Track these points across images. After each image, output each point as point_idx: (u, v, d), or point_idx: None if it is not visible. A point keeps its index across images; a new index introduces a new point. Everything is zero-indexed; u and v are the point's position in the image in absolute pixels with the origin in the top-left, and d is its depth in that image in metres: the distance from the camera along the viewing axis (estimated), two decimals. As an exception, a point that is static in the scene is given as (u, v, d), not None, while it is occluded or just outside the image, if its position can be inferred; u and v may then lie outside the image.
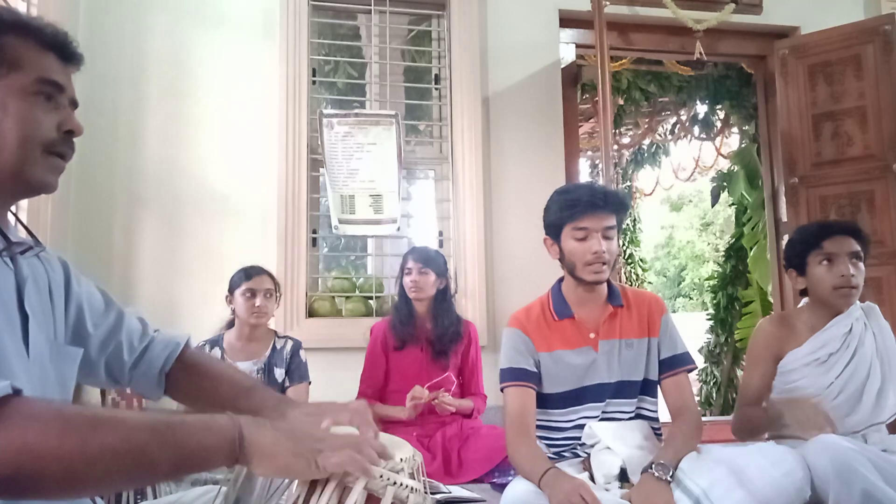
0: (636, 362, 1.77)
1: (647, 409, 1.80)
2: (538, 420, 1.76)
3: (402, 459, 0.86)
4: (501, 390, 1.76)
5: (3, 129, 0.83)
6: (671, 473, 1.52)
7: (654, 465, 1.53)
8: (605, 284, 1.82)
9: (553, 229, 1.78)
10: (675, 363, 1.79)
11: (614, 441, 1.66)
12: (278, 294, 2.60)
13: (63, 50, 0.90)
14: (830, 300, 1.97)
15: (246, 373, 2.38)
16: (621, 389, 1.76)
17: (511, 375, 1.75)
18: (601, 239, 1.70)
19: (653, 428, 1.78)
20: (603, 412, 1.75)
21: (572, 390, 1.75)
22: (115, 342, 1.06)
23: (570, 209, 1.72)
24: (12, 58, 0.84)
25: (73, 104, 0.92)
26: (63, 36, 0.90)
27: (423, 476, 0.91)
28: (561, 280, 1.88)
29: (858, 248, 1.96)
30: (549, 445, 1.78)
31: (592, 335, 1.77)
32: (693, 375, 1.92)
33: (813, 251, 1.98)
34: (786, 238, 3.76)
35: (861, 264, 1.96)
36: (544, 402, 1.77)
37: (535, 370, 1.75)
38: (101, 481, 0.73)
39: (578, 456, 1.75)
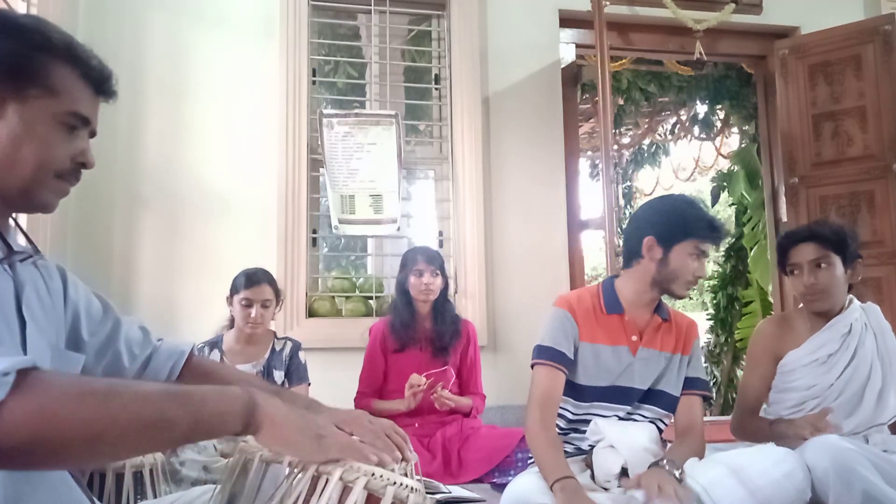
0: (668, 376, 1.79)
1: (663, 421, 1.81)
2: (560, 409, 1.75)
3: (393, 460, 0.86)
4: (532, 366, 1.74)
5: (23, 150, 0.84)
6: (680, 471, 1.52)
7: (664, 460, 1.53)
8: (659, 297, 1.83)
9: (669, 235, 1.72)
10: (694, 385, 1.81)
11: (618, 440, 1.66)
12: (280, 300, 2.56)
13: (102, 87, 0.92)
14: (805, 306, 2.02)
15: (262, 378, 2.40)
16: (649, 397, 1.77)
17: (547, 354, 1.72)
18: (705, 265, 1.76)
19: (659, 436, 1.79)
20: (628, 413, 1.76)
21: (605, 387, 1.75)
22: (112, 350, 1.05)
23: (705, 230, 1.71)
24: (53, 84, 0.86)
25: (93, 134, 0.94)
26: (108, 75, 0.93)
27: (419, 476, 0.91)
28: (613, 277, 1.86)
29: (824, 252, 1.94)
30: (564, 434, 1.78)
31: (635, 338, 1.78)
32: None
33: (784, 261, 2.03)
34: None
35: (831, 267, 1.94)
36: (575, 392, 1.75)
37: (573, 357, 1.74)
38: (119, 447, 0.75)
39: (582, 452, 1.75)
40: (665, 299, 1.84)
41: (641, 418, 1.77)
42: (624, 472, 1.61)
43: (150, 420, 0.74)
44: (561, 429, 1.76)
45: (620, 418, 1.75)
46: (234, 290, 2.47)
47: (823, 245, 1.95)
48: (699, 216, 1.73)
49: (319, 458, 0.82)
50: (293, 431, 0.83)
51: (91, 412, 0.70)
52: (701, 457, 1.68)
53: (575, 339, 1.75)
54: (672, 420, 1.83)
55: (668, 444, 1.78)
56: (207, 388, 0.81)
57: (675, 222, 1.73)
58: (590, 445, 1.73)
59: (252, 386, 1.11)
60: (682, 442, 1.72)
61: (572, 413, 1.77)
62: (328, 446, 0.83)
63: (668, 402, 1.79)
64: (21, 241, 0.94)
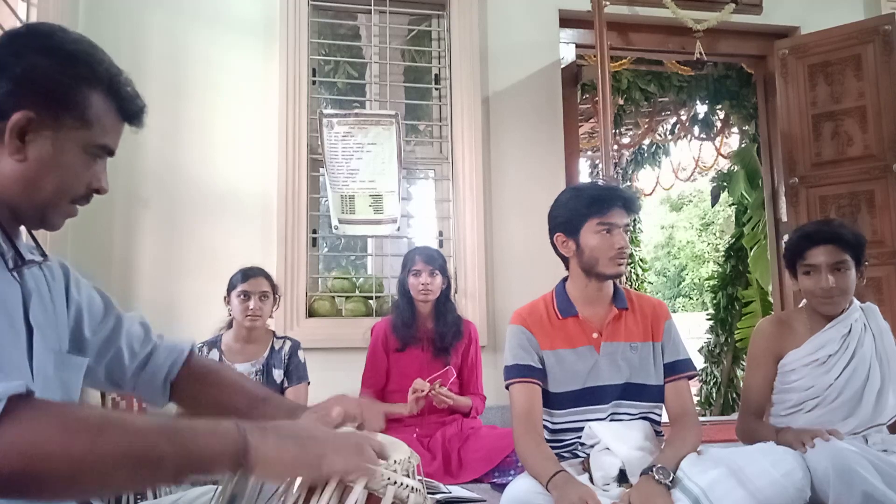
0: (642, 366, 1.77)
1: (654, 413, 1.80)
2: (543, 420, 1.75)
3: (395, 461, 0.86)
4: (507, 388, 1.76)
5: (47, 175, 0.85)
6: (671, 478, 1.51)
7: (654, 468, 1.53)
8: (611, 285, 1.82)
9: (570, 225, 1.77)
10: (677, 368, 1.79)
11: (614, 442, 1.65)
12: (277, 296, 2.58)
13: (132, 119, 0.93)
14: (815, 307, 1.99)
15: (256, 381, 2.40)
16: (628, 392, 1.75)
17: (516, 372, 1.74)
18: (622, 234, 1.74)
19: (654, 429, 1.77)
20: (610, 414, 1.75)
21: (576, 391, 1.74)
22: (114, 348, 1.05)
23: (597, 204, 1.73)
24: (89, 117, 0.86)
25: (111, 155, 0.94)
26: (141, 107, 0.93)
27: (420, 477, 0.91)
28: (565, 280, 1.87)
29: (843, 256, 1.92)
30: (551, 446, 1.77)
31: (595, 335, 1.77)
32: (693, 375, 1.91)
33: (798, 260, 1.99)
34: (786, 238, 3.76)
35: (849, 271, 1.93)
36: (548, 401, 1.76)
37: (541, 367, 1.75)
38: (105, 483, 0.74)
39: (578, 456, 1.75)
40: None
41: (628, 416, 1.75)
42: (622, 473, 1.61)
43: (138, 460, 0.73)
44: (546, 441, 1.75)
45: (605, 420, 1.74)
46: (231, 287, 2.50)
47: (844, 248, 1.93)
48: (584, 196, 1.77)
49: (322, 477, 0.80)
50: (289, 465, 0.80)
51: (79, 449, 0.70)
52: (698, 442, 1.67)
53: (536, 349, 1.76)
54: (661, 409, 1.81)
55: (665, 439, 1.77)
56: (200, 428, 0.79)
57: (568, 211, 1.78)
58: (585, 452, 1.72)
59: (260, 393, 1.10)
60: (676, 436, 1.69)
61: (552, 423, 1.76)
62: (329, 469, 0.80)
63: (650, 394, 1.77)
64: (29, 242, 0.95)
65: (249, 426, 0.80)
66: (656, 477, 1.50)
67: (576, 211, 1.76)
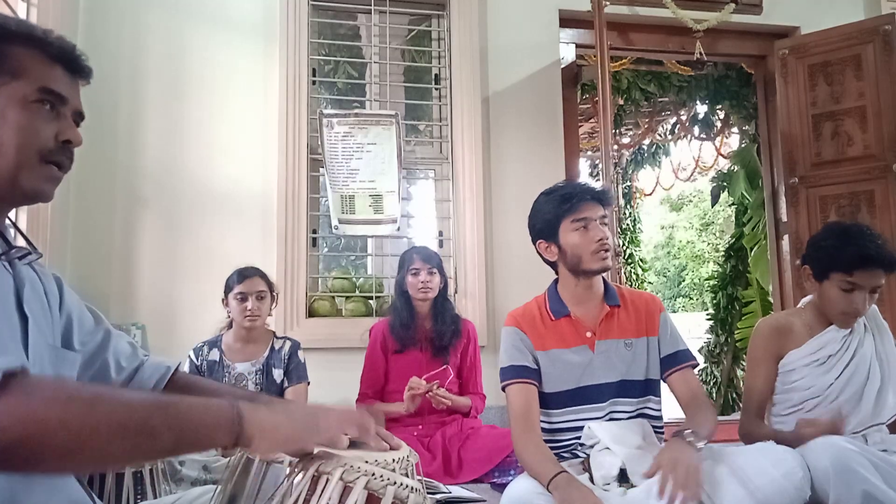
0: (637, 362, 1.77)
1: (651, 409, 1.79)
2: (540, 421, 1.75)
3: (394, 460, 0.86)
4: (503, 389, 1.76)
5: (1, 138, 0.84)
6: (704, 442, 1.51)
7: (687, 431, 1.52)
8: (601, 283, 1.83)
9: (548, 229, 1.78)
10: (678, 359, 1.79)
11: (613, 442, 1.65)
12: (275, 295, 2.58)
13: (71, 63, 0.91)
14: (833, 319, 1.96)
15: (256, 381, 2.42)
16: (624, 389, 1.75)
17: (512, 373, 1.75)
18: (600, 226, 1.74)
19: (654, 428, 1.77)
20: (608, 413, 1.74)
21: (571, 390, 1.75)
22: (100, 360, 1.06)
23: (566, 203, 1.74)
24: (15, 67, 0.86)
25: (79, 116, 0.93)
26: (70, 49, 0.91)
27: (419, 476, 0.91)
28: (556, 281, 1.88)
29: (883, 281, 1.87)
30: (549, 447, 1.77)
31: (589, 334, 1.78)
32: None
33: (839, 272, 1.88)
34: (787, 237, 3.76)
35: (878, 293, 1.90)
36: (543, 402, 1.76)
37: (536, 367, 1.76)
38: (103, 453, 0.74)
39: (578, 457, 1.75)
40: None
41: (625, 414, 1.75)
42: (622, 473, 1.61)
43: (134, 429, 0.74)
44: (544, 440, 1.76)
45: (602, 419, 1.74)
46: (227, 289, 2.50)
47: (887, 273, 1.87)
48: (554, 198, 1.77)
49: (322, 439, 0.83)
50: (286, 429, 0.83)
51: (76, 418, 0.71)
52: (715, 420, 1.67)
53: (531, 350, 1.77)
54: (658, 405, 1.81)
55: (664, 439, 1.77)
56: (194, 400, 0.81)
57: (543, 216, 1.79)
58: (585, 453, 1.72)
59: (237, 398, 1.12)
60: (695, 413, 1.69)
61: (549, 423, 1.76)
62: (326, 424, 0.84)
63: (644, 388, 1.77)
64: (19, 242, 0.95)
65: (241, 402, 0.83)
66: (689, 438, 1.50)
67: (549, 214, 1.77)
